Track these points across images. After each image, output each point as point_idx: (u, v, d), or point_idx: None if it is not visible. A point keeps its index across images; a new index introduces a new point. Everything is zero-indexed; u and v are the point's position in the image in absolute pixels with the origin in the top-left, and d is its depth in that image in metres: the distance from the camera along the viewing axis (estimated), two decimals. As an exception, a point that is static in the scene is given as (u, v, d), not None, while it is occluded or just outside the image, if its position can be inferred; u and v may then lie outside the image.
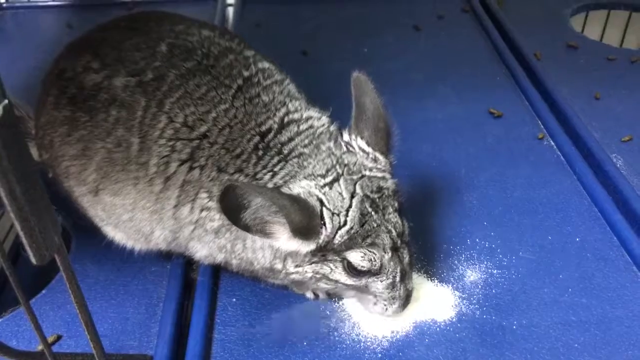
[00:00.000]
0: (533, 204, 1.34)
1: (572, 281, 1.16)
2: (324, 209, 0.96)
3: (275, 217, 0.93)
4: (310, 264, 1.01)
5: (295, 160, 1.00)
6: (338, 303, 1.14)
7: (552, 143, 1.51)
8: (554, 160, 1.46)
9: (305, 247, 0.97)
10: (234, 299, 1.15)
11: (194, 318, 1.10)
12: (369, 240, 0.98)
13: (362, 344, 1.07)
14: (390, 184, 1.03)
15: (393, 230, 1.00)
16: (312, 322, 1.11)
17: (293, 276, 1.04)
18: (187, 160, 1.00)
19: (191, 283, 1.19)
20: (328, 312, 1.13)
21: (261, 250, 1.03)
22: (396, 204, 1.02)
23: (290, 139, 1.02)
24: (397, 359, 1.04)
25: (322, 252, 0.99)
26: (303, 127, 1.03)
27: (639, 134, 1.51)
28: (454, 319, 1.11)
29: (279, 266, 1.03)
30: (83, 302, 0.73)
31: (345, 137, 1.05)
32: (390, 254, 1.00)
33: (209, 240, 1.05)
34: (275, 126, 1.02)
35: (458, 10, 2.11)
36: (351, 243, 0.97)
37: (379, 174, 1.02)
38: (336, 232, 0.96)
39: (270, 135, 1.01)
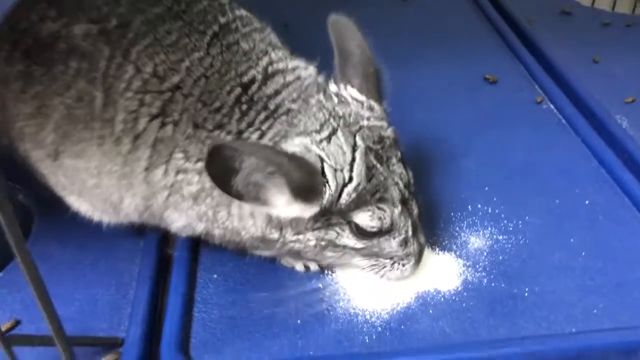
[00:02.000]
0: (536, 168, 1.25)
1: (585, 245, 1.07)
2: (325, 165, 0.85)
3: (271, 179, 0.82)
4: (313, 230, 0.90)
5: (284, 117, 0.89)
6: (331, 275, 1.03)
7: (552, 107, 1.42)
8: (554, 124, 1.37)
9: (308, 211, 0.86)
10: (215, 275, 1.04)
11: (171, 296, 0.98)
12: (377, 196, 0.88)
13: (359, 317, 0.96)
14: (390, 132, 0.93)
15: (400, 182, 0.90)
16: (303, 296, 1.00)
17: (292, 246, 0.93)
18: (158, 115, 0.89)
19: (167, 260, 1.07)
20: (320, 285, 1.02)
21: (251, 218, 0.91)
22: (399, 153, 0.92)
23: (277, 92, 0.91)
24: (399, 332, 0.93)
25: (326, 216, 0.89)
26: (289, 78, 0.93)
27: (642, 95, 1.43)
28: (460, 288, 1.00)
29: (274, 235, 0.92)
30: (36, 277, 0.62)
31: (333, 87, 0.94)
32: (400, 208, 0.90)
33: (186, 208, 0.93)
34: (259, 77, 0.91)
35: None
36: (358, 202, 0.87)
37: (378, 123, 0.92)
38: (341, 191, 0.86)
39: (254, 87, 0.90)
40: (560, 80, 1.47)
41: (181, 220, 0.96)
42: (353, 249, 0.93)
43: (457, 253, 1.07)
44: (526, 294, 0.99)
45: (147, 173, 0.91)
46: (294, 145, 0.86)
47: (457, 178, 1.23)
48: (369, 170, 0.87)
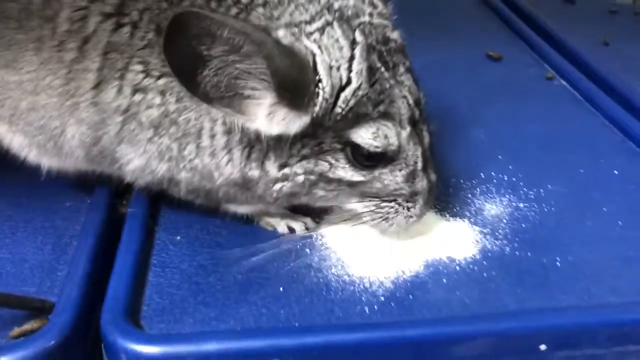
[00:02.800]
0: (552, 139, 1.09)
1: (621, 215, 0.91)
2: (317, 59, 0.68)
3: (250, 75, 0.65)
4: (301, 159, 0.72)
5: (261, 10, 0.71)
6: (322, 239, 0.84)
7: (564, 82, 1.28)
8: (569, 99, 1.23)
9: (296, 122, 0.68)
10: (178, 237, 0.84)
11: (120, 255, 0.78)
12: (382, 108, 0.71)
13: (356, 285, 0.77)
14: (397, 35, 0.76)
15: (409, 96, 0.73)
16: (286, 261, 0.81)
17: (277, 187, 0.75)
18: (112, 15, 0.71)
19: (119, 219, 0.87)
20: (308, 250, 0.83)
21: (225, 152, 0.73)
22: (407, 63, 0.75)
23: None
24: (408, 302, 0.74)
25: (318, 139, 0.71)
26: None
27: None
28: (478, 257, 0.82)
29: (255, 173, 0.74)
30: None
31: None
32: (408, 130, 0.72)
33: (145, 141, 0.75)
34: None
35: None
36: (358, 114, 0.70)
37: (382, 21, 0.75)
38: (337, 95, 0.68)
39: None
40: (572, 57, 1.34)
41: (138, 159, 0.77)
42: (349, 184, 0.75)
43: (472, 220, 0.89)
44: (558, 264, 0.81)
45: (97, 92, 0.73)
46: (278, 38, 0.68)
47: (466, 147, 1.06)
48: (372, 72, 0.70)
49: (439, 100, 1.20)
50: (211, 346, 0.66)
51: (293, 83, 0.65)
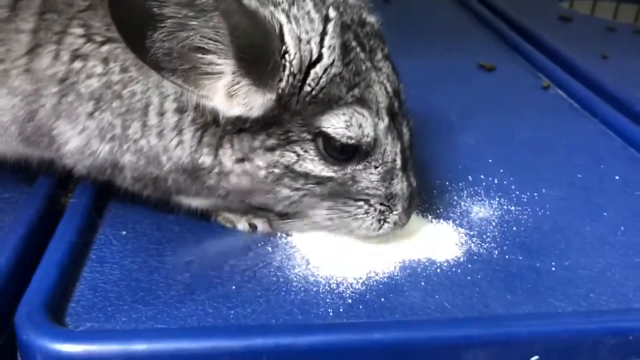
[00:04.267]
0: (548, 144, 1.02)
1: (623, 220, 0.82)
2: (284, 27, 0.60)
3: (207, 40, 0.57)
4: (265, 151, 0.63)
5: None
6: (286, 238, 0.75)
7: (561, 92, 1.20)
8: (565, 107, 1.16)
9: (258, 99, 0.60)
10: (124, 232, 0.74)
11: (50, 247, 0.68)
12: (356, 92, 0.62)
13: (321, 286, 0.67)
14: (374, 20, 0.68)
15: (387, 84, 0.64)
16: (243, 260, 0.71)
17: (232, 180, 0.66)
18: (50, -31, 0.64)
19: (59, 211, 0.77)
20: (270, 248, 0.73)
21: (176, 132, 0.65)
22: (386, 49, 0.67)
23: None
24: (378, 305, 0.64)
25: (284, 127, 0.63)
26: None
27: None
28: (462, 259, 0.73)
29: (206, 159, 0.65)
30: None
31: None
32: (386, 121, 0.64)
33: (84, 116, 0.66)
34: None
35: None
36: (330, 97, 0.62)
37: (359, 3, 0.67)
38: (307, 71, 0.60)
39: None
40: (569, 68, 1.27)
41: (77, 137, 0.68)
42: (318, 180, 0.65)
43: (457, 222, 0.80)
44: (553, 269, 0.71)
45: (31, 57, 0.65)
46: None
47: (454, 151, 0.98)
48: (346, 50, 0.62)
49: (427, 108, 1.13)
50: (140, 346, 0.56)
51: (255, 48, 0.57)
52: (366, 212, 0.68)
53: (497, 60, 1.34)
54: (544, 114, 1.12)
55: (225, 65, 0.59)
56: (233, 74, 0.59)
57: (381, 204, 0.68)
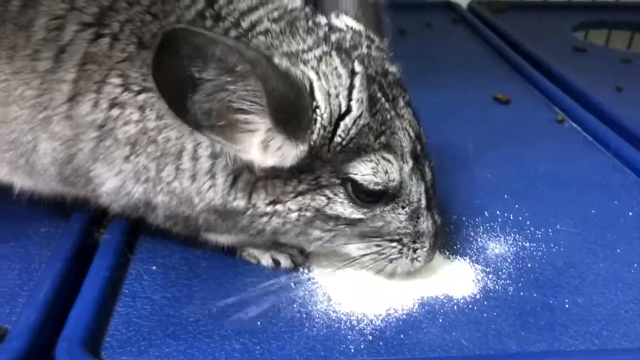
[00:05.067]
0: (562, 179, 1.03)
1: (636, 256, 0.84)
2: (315, 85, 0.64)
3: (244, 100, 0.61)
4: (297, 195, 0.67)
5: (262, 38, 0.68)
6: (308, 273, 0.78)
7: (575, 125, 1.22)
8: (580, 140, 1.17)
9: (292, 151, 0.64)
10: (155, 267, 0.78)
11: (88, 281, 0.72)
12: (383, 140, 0.66)
13: (342, 323, 0.70)
14: (395, 69, 0.72)
15: (410, 130, 0.68)
16: (268, 296, 0.74)
17: (265, 220, 0.70)
18: (91, 25, 0.68)
19: (93, 246, 0.81)
20: (292, 284, 0.76)
21: (208, 177, 0.69)
22: (407, 96, 0.71)
23: (252, 9, 0.70)
24: (398, 342, 0.67)
25: (314, 173, 0.66)
26: None
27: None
28: (478, 296, 0.75)
29: (240, 203, 0.69)
30: None
31: (322, 19, 0.74)
32: (411, 164, 0.67)
33: (121, 159, 0.70)
34: None
35: (448, 21, 1.90)
36: (358, 146, 0.65)
37: (381, 54, 0.71)
38: (337, 124, 0.64)
39: (222, 1, 0.70)
40: (584, 100, 1.28)
41: (114, 179, 0.72)
42: (348, 222, 0.69)
43: (473, 258, 0.82)
44: (567, 306, 0.74)
45: (72, 104, 0.69)
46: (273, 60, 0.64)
47: (471, 185, 1.00)
48: (373, 101, 0.66)
49: (443, 141, 1.16)
50: (173, 381, 0.59)
51: (289, 106, 0.61)
52: (400, 252, 0.72)
53: (512, 93, 1.37)
54: (558, 148, 1.14)
55: (261, 123, 0.62)
56: (268, 130, 0.63)
57: (413, 242, 0.72)
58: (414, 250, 0.72)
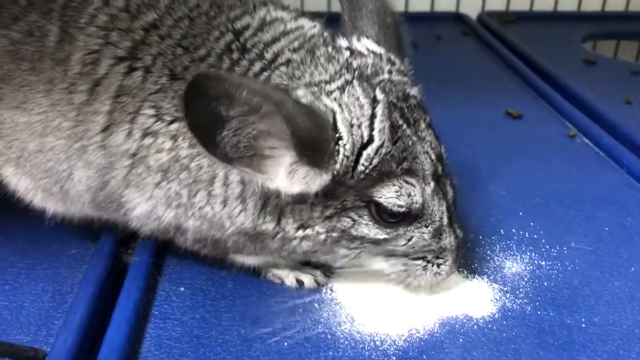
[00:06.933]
0: (577, 196, 1.05)
1: (650, 275, 0.86)
2: (337, 117, 0.66)
3: (269, 135, 0.63)
4: (324, 219, 0.70)
5: (284, 69, 0.71)
6: (331, 293, 0.81)
7: (587, 140, 1.24)
8: (592, 156, 1.19)
9: (316, 180, 0.66)
10: (182, 288, 0.81)
11: (120, 304, 0.75)
12: (405, 166, 0.68)
13: (366, 343, 0.73)
14: (416, 91, 0.74)
15: (431, 152, 0.70)
16: (293, 316, 0.77)
17: (295, 243, 0.73)
18: (125, 58, 0.71)
19: (122, 268, 0.84)
20: (317, 305, 0.79)
21: (239, 201, 0.71)
22: (428, 118, 0.73)
23: (275, 40, 0.73)
24: (421, 362, 0.70)
25: (340, 198, 0.69)
26: (291, 26, 0.75)
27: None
28: (497, 316, 0.78)
29: (269, 226, 0.71)
30: None
31: (343, 42, 0.76)
32: (432, 185, 0.70)
33: (152, 185, 0.73)
34: (255, 23, 0.74)
35: (458, 33, 1.93)
36: (381, 173, 0.68)
37: (401, 78, 0.74)
38: (359, 153, 0.66)
39: (248, 34, 0.73)
40: (595, 115, 1.31)
41: (145, 204, 0.75)
42: (373, 241, 0.72)
43: (491, 277, 0.85)
44: (583, 325, 0.76)
45: (106, 134, 0.72)
46: (297, 97, 0.67)
47: (486, 203, 1.03)
48: (394, 129, 0.68)
49: (458, 157, 1.18)
50: (207, 403, 0.62)
51: (313, 141, 0.63)
52: (424, 268, 0.75)
53: (524, 107, 1.39)
54: (571, 163, 1.16)
55: (286, 154, 0.65)
56: (294, 162, 0.65)
57: (436, 257, 0.74)
58: (438, 266, 0.74)
